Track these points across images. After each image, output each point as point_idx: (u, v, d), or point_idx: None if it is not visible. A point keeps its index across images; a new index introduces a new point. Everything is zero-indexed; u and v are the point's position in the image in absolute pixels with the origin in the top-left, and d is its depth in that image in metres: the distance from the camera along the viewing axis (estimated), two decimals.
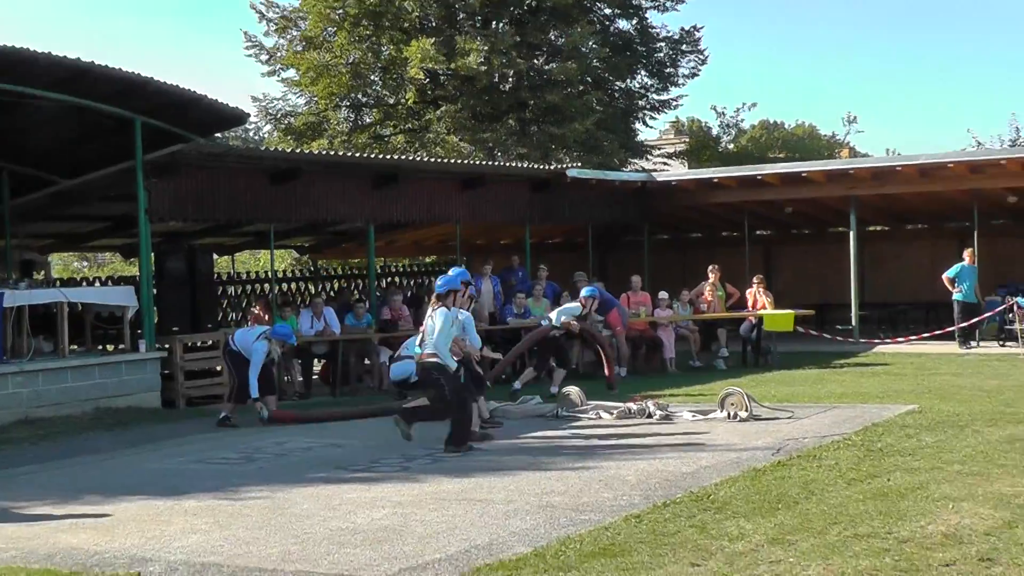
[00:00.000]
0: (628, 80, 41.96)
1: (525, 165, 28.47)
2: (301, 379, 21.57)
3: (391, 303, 23.01)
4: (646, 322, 23.48)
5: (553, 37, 39.11)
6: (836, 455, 12.15)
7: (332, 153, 27.49)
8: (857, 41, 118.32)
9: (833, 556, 8.13)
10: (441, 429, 13.79)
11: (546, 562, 8.25)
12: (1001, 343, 25.13)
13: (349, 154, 27.00)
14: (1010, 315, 25.06)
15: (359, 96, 40.67)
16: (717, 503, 9.99)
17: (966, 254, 25.68)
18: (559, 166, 28.66)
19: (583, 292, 20.23)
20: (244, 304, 29.72)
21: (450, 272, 14.70)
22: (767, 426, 14.52)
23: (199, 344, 22.02)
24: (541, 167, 27.76)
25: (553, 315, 19.79)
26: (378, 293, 24.97)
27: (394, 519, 9.88)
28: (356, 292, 29.96)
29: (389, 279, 33.15)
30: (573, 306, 19.97)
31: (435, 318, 13.64)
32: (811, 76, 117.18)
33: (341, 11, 37.86)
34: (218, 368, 20.35)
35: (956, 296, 25.16)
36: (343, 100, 40.31)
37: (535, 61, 38.96)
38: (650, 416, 15.69)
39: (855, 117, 67.81)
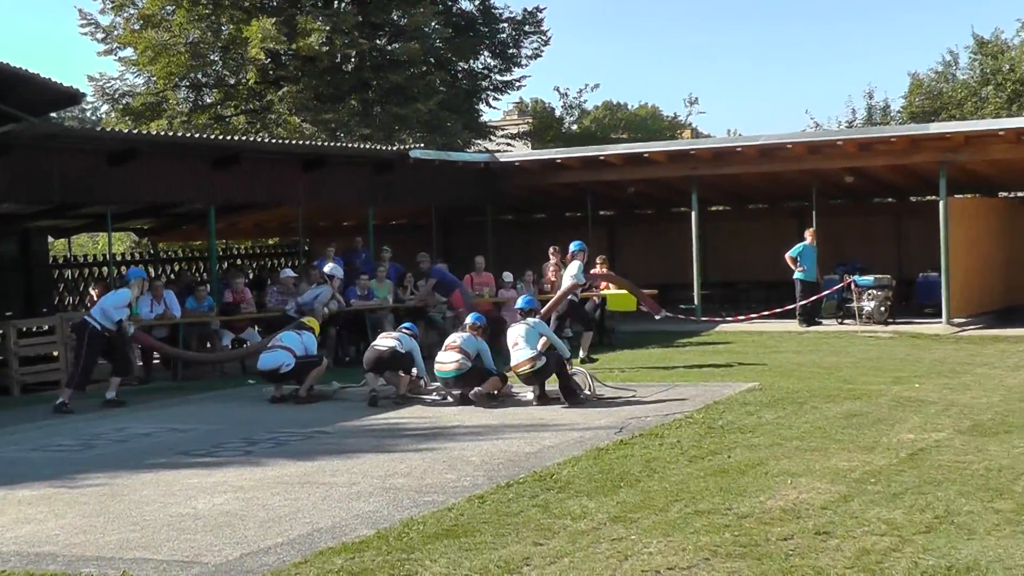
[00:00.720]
0: (471, 61, 41.98)
1: (368, 146, 28.31)
2: (141, 363, 21.16)
3: (233, 286, 22.70)
4: (490, 302, 23.53)
5: (396, 17, 38.93)
6: (678, 433, 12.33)
7: (171, 134, 27.00)
8: (699, 24, 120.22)
9: (674, 533, 8.25)
10: (296, 414, 13.66)
11: (389, 544, 8.23)
12: (840, 321, 25.75)
13: (188, 135, 26.51)
14: (847, 293, 25.71)
15: (199, 76, 40.04)
16: (560, 482, 10.06)
17: (808, 233, 26.20)
18: (402, 147, 28.59)
19: (573, 247, 20.54)
20: (81, 288, 29.06)
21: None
22: (611, 405, 14.67)
23: (34, 329, 21.46)
24: (384, 148, 27.64)
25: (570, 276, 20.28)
26: (220, 276, 24.62)
27: (236, 504, 9.77)
28: (197, 275, 29.49)
29: (231, 261, 32.70)
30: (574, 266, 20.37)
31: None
32: (654, 58, 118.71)
33: None
34: (55, 353, 19.87)
35: (797, 275, 25.67)
36: (182, 80, 39.61)
37: (378, 41, 38.73)
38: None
39: (696, 98, 68.90)
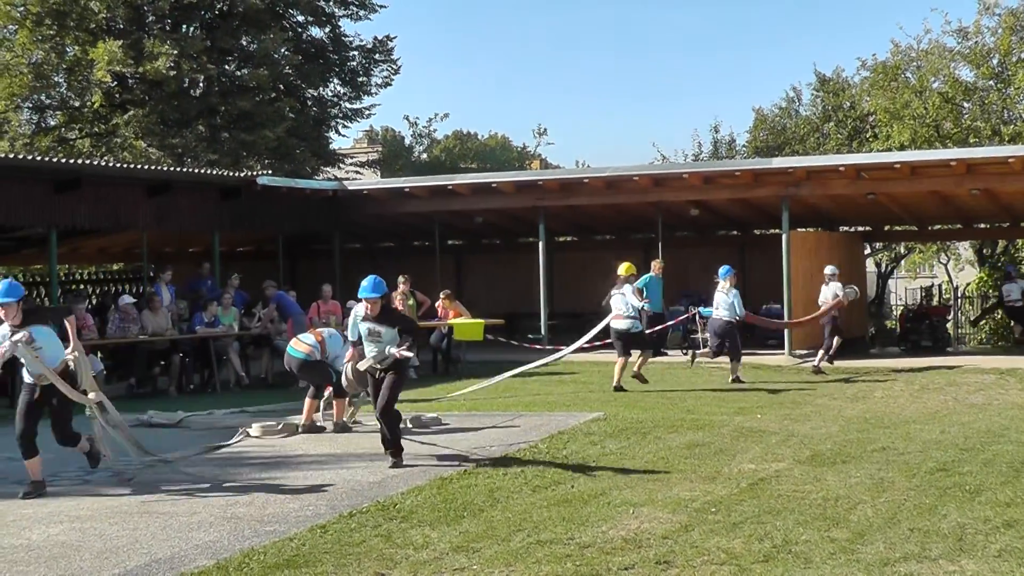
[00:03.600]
0: (321, 88, 41.73)
1: (215, 172, 27.94)
2: None
3: (75, 311, 22.15)
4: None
5: (245, 43, 38.55)
6: (522, 463, 12.33)
7: (11, 156, 26.29)
8: (549, 55, 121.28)
9: (516, 562, 8.24)
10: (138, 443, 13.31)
11: (228, 575, 8.09)
12: (685, 351, 26.04)
13: (30, 157, 25.86)
14: (692, 324, 26.05)
15: (42, 98, 39.10)
16: (403, 512, 10.00)
17: (654, 265, 26.47)
18: (250, 173, 28.23)
19: (723, 272, 21.83)
20: None
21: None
22: (455, 435, 14.63)
23: None
24: (231, 174, 27.28)
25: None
26: (61, 300, 24.02)
27: (72, 534, 9.52)
28: (38, 300, 28.73)
29: (73, 287, 31.95)
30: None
31: None
32: (504, 88, 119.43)
33: (23, 8, 36.27)
34: None
35: (644, 306, 25.88)
36: (25, 101, 38.66)
37: (226, 67, 38.33)
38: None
39: (545, 129, 69.56)
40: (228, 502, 10.70)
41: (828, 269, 23.38)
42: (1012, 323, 30.28)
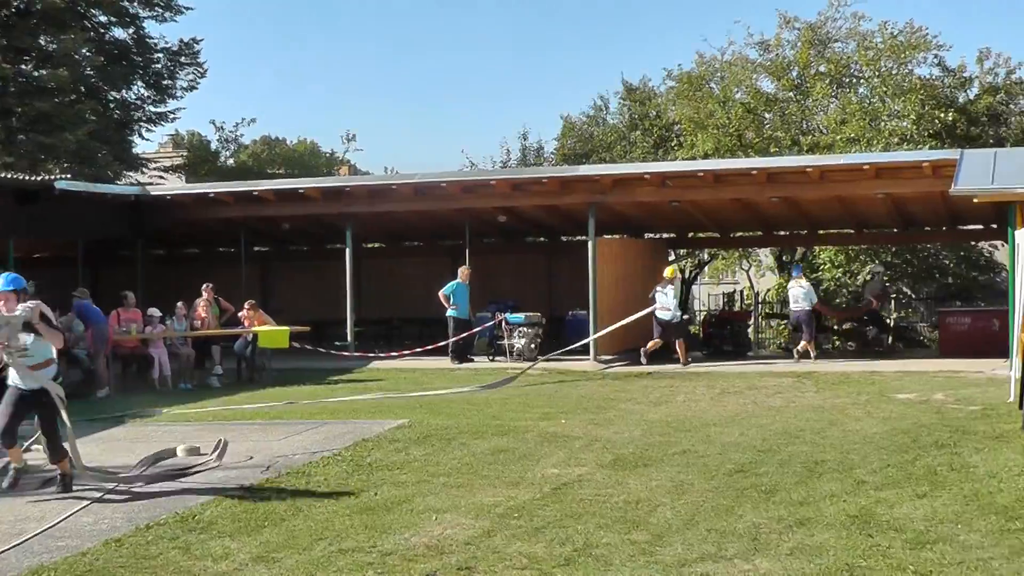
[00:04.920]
0: (124, 90, 40.90)
1: (10, 175, 27.08)
2: None
3: None
4: (137, 339, 22.86)
5: (43, 42, 37.55)
6: (325, 471, 12.25)
7: None
8: (357, 60, 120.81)
9: (317, 572, 8.19)
10: None
11: None
12: (491, 358, 26.20)
13: None
14: (499, 331, 26.21)
15: None
16: (203, 523, 9.83)
17: (461, 272, 26.55)
18: (48, 178, 27.44)
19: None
20: None
21: None
22: (258, 444, 14.44)
23: None
24: (28, 178, 26.49)
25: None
26: None
27: None
28: None
29: None
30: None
31: None
32: (312, 93, 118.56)
33: None
34: None
35: (450, 312, 25.98)
36: None
37: (23, 67, 37.24)
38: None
39: (354, 135, 69.19)
40: (18, 517, 10.37)
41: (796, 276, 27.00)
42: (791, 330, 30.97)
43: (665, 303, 25.06)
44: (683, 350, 24.99)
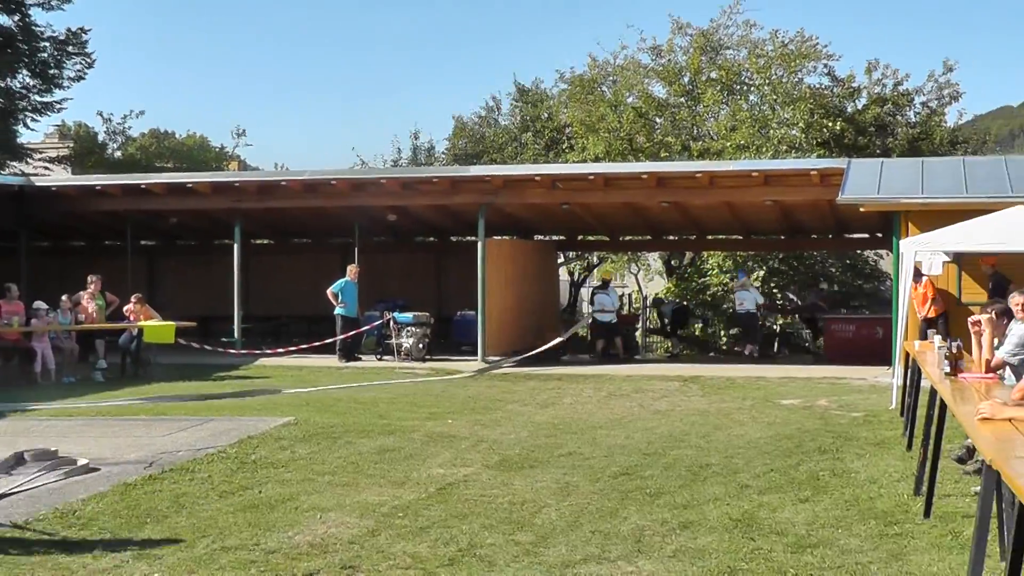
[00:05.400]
0: (8, 79, 40.08)
1: None
2: None
3: None
4: (19, 332, 22.44)
5: None
6: (210, 468, 12.13)
7: None
8: (248, 55, 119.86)
9: (199, 569, 8.11)
10: None
11: None
12: (379, 357, 26.13)
13: None
14: (387, 329, 26.14)
15: None
16: (83, 519, 9.69)
17: (350, 270, 26.45)
18: None
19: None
20: None
21: None
22: (141, 439, 14.26)
23: None
24: None
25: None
26: None
27: None
28: None
29: None
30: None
31: None
32: (202, 87, 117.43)
33: None
34: None
35: (338, 310, 25.86)
36: None
37: None
38: None
39: (244, 130, 68.58)
40: None
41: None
42: (739, 332, 31.41)
43: (607, 305, 27.49)
44: (621, 346, 27.72)
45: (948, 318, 21.54)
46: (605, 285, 28.35)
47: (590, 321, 28.54)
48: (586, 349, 29.41)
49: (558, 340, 26.38)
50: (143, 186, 27.80)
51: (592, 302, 26.93)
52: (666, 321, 30.76)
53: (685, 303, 34.00)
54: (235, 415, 16.61)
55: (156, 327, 23.18)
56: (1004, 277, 20.80)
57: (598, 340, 27.63)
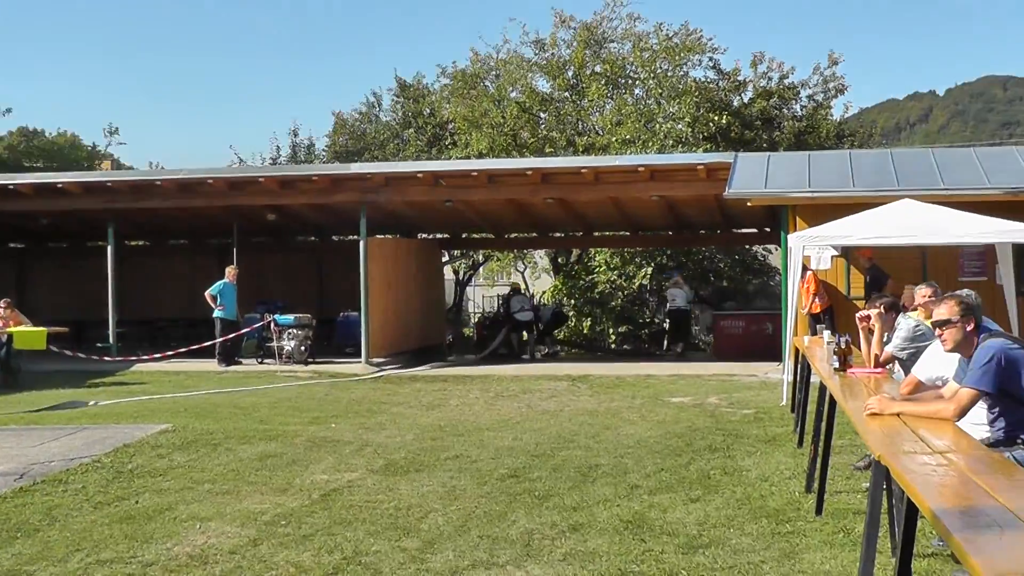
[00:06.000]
0: None
1: None
2: None
3: None
4: None
5: None
6: (84, 479, 11.91)
7: None
8: (121, 51, 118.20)
9: None
10: None
11: None
12: (260, 360, 25.88)
13: None
14: (268, 332, 25.90)
15: None
16: None
17: (228, 271, 26.15)
18: None
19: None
20: None
21: None
22: (11, 450, 13.96)
23: None
24: None
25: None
26: None
27: None
28: None
29: None
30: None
31: None
32: (72, 86, 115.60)
33: None
34: None
35: (217, 313, 25.56)
36: None
37: None
38: None
39: (116, 128, 67.51)
40: None
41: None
42: (669, 332, 31.63)
43: (526, 306, 29.54)
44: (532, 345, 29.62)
45: (834, 313, 21.86)
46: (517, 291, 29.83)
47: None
48: (472, 349, 29.43)
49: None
50: (11, 186, 27.20)
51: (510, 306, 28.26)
52: (540, 326, 30.83)
53: (561, 307, 34.22)
54: (110, 423, 16.34)
55: (26, 333, 22.73)
56: (881, 271, 21.19)
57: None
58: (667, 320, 31.75)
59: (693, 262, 36.16)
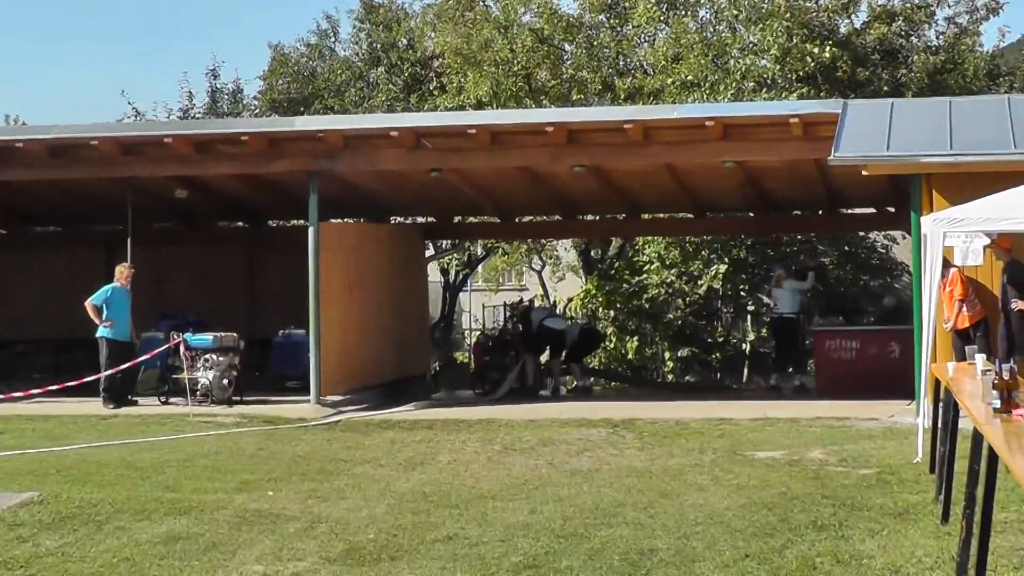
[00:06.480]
0: None
1: None
2: None
3: None
4: None
5: None
6: None
7: None
8: None
9: None
10: None
11: None
12: (164, 399, 25.74)
13: None
14: (176, 359, 25.70)
15: None
16: None
17: (119, 272, 25.97)
18: None
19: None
20: None
21: None
22: None
23: None
24: None
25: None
26: None
27: None
28: None
29: None
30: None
31: None
32: None
33: None
34: None
35: (103, 332, 25.46)
36: None
37: None
38: None
39: None
40: None
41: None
42: (773, 352, 31.49)
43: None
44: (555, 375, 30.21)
45: (990, 328, 21.71)
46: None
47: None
48: (468, 382, 29.38)
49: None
50: None
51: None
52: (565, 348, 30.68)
53: (593, 322, 34.18)
54: None
55: None
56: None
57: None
58: (770, 334, 31.66)
59: (783, 256, 36.06)
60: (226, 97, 47.72)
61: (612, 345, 35.49)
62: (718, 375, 34.63)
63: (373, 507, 14.79)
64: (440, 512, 14.38)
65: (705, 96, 33.07)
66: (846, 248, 36.91)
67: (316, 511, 14.55)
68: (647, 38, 37.78)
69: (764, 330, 36.02)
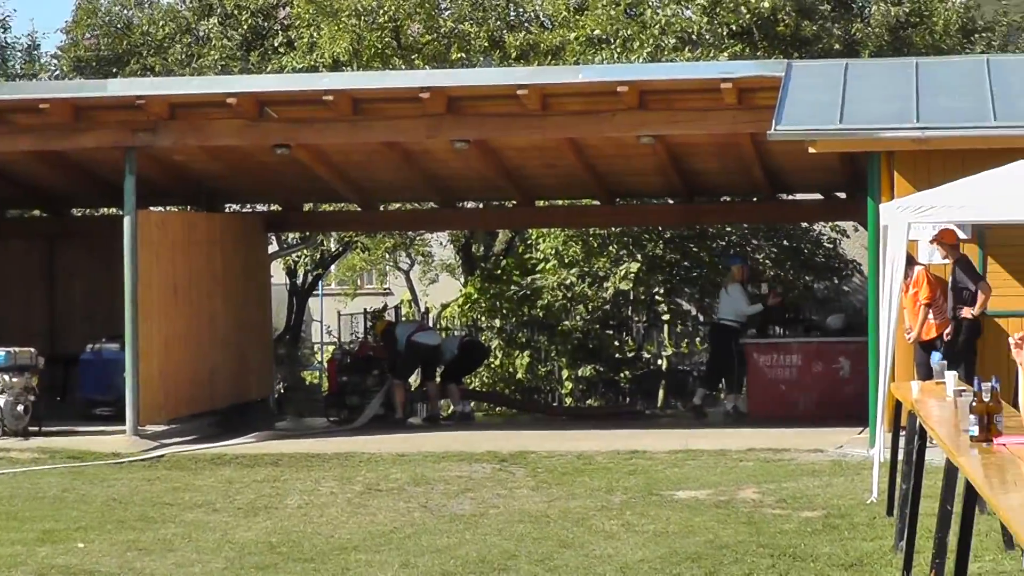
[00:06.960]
0: None
1: None
2: None
3: None
4: None
5: None
6: None
7: None
8: None
9: None
10: None
11: None
12: None
13: None
14: None
15: None
16: None
17: None
18: None
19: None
20: None
21: None
22: None
23: None
24: None
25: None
26: None
27: None
28: None
29: None
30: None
31: None
32: None
33: None
34: None
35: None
36: None
37: None
38: None
39: None
40: None
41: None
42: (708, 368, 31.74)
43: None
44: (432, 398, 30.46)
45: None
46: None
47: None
48: (321, 408, 29.43)
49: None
50: None
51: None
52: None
53: (474, 334, 34.30)
54: None
55: None
56: (972, 267, 21.39)
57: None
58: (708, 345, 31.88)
59: (710, 252, 36.27)
60: (19, 55, 47.53)
61: (498, 362, 35.62)
62: (627, 398, 34.83)
63: (208, 561, 14.83)
64: (290, 567, 14.47)
65: (616, 56, 33.21)
66: (786, 242, 37.10)
67: (138, 566, 14.58)
68: None
69: (683, 343, 36.30)
